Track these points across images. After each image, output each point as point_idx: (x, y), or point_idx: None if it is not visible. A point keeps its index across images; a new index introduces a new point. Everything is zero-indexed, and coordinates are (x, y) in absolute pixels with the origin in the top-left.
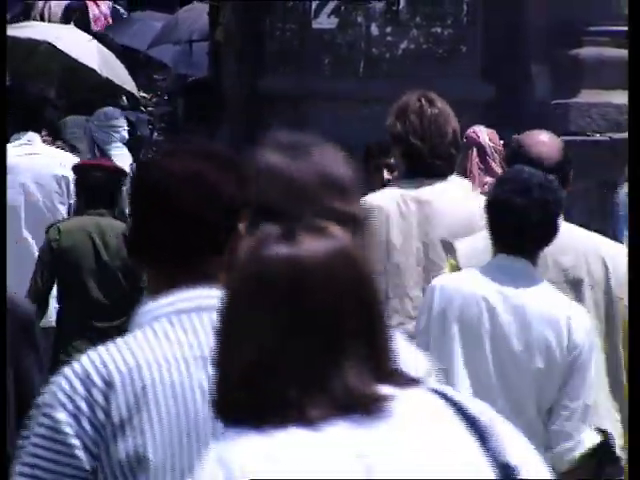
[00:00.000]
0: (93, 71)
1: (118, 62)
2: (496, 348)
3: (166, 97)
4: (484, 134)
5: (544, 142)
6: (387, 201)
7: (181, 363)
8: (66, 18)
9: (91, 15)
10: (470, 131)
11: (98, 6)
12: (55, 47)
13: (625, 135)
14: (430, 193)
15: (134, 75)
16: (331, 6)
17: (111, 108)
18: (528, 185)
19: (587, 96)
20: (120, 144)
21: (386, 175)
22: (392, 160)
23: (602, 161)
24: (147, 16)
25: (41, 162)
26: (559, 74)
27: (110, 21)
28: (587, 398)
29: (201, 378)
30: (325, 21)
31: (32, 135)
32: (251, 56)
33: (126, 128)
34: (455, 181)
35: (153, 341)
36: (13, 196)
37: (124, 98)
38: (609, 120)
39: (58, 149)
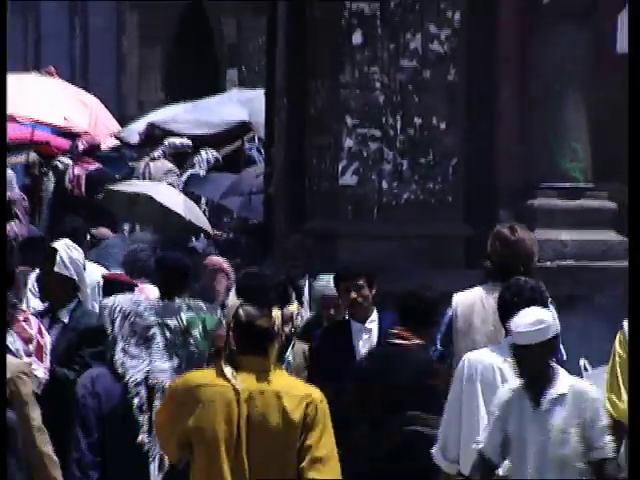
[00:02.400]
0: (180, 216)
1: (198, 209)
2: None
3: (232, 235)
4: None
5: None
6: (474, 295)
7: None
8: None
9: (70, 175)
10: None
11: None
12: (152, 198)
13: (568, 262)
14: None
15: (209, 218)
16: (353, 168)
17: (112, 239)
18: (522, 289)
19: (540, 234)
20: (116, 265)
21: (353, 295)
22: (360, 282)
23: (551, 282)
24: (220, 176)
25: None
26: (519, 218)
27: (83, 183)
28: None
29: None
30: (348, 179)
31: None
32: (295, 205)
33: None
34: None
35: None
36: None
37: (202, 235)
38: (556, 251)
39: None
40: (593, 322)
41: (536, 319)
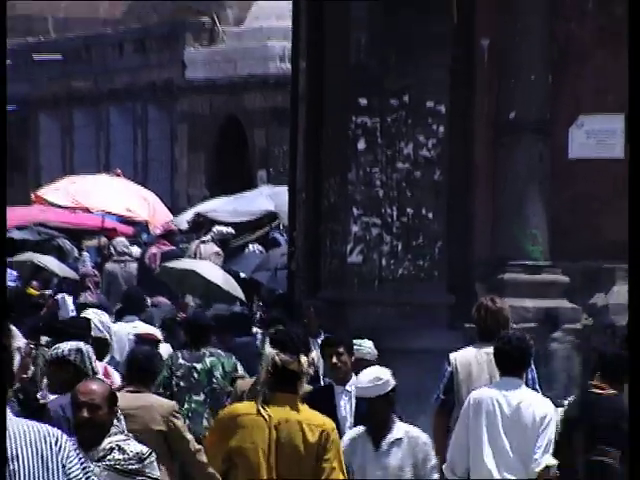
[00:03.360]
0: (219, 287)
1: (234, 281)
2: (505, 425)
3: (261, 303)
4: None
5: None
6: (468, 353)
7: None
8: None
9: (149, 254)
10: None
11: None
12: (197, 273)
13: (530, 324)
14: (491, 349)
15: (243, 288)
16: (358, 249)
17: (154, 309)
18: (511, 339)
19: (508, 302)
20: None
21: (334, 360)
22: (340, 349)
23: None
24: (251, 254)
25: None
26: (492, 289)
27: (158, 261)
28: (550, 442)
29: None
30: (355, 258)
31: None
32: (312, 279)
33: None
34: None
35: None
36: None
37: (237, 303)
38: (520, 315)
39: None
40: (549, 371)
41: (375, 376)
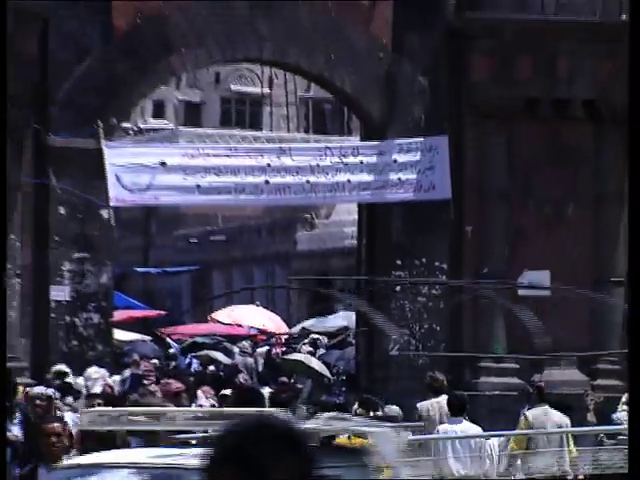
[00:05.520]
0: (316, 370)
1: (324, 366)
2: (461, 442)
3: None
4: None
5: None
6: (428, 402)
7: None
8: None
9: (274, 351)
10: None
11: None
12: (304, 363)
13: (494, 392)
14: (438, 399)
15: (329, 370)
16: (396, 347)
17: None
18: (456, 397)
19: (483, 379)
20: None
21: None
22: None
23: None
24: (332, 352)
25: None
26: (472, 372)
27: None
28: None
29: None
30: (394, 352)
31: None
32: (370, 364)
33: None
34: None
35: None
36: None
37: (326, 379)
38: (488, 387)
39: None
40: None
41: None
